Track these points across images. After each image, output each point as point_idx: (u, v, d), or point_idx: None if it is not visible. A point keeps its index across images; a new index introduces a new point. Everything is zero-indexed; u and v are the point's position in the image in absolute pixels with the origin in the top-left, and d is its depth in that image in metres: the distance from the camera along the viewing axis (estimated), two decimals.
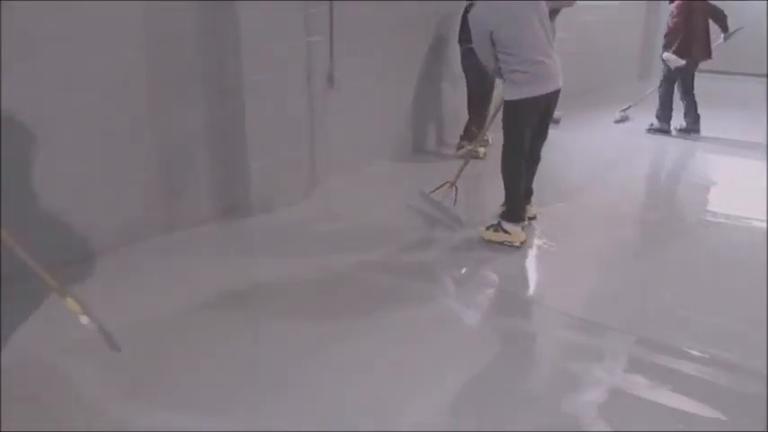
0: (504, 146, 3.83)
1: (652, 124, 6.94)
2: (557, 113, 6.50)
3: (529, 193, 4.10)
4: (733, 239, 4.12)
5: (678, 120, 6.78)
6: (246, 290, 3.24)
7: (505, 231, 3.83)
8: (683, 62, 6.41)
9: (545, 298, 3.30)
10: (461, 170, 4.25)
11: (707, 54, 6.57)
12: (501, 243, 3.82)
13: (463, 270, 3.55)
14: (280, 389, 2.45)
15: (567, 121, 6.85)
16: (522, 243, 3.83)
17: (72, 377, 2.48)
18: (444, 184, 4.21)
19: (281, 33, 4.01)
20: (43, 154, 3.18)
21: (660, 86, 6.78)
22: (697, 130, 6.71)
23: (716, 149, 6.41)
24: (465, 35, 5.27)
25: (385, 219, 4.19)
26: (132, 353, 2.61)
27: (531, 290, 3.45)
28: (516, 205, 3.86)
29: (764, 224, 4.43)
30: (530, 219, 4.11)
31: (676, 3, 6.45)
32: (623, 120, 7.44)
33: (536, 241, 3.98)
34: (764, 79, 9.85)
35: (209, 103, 3.92)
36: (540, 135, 3.93)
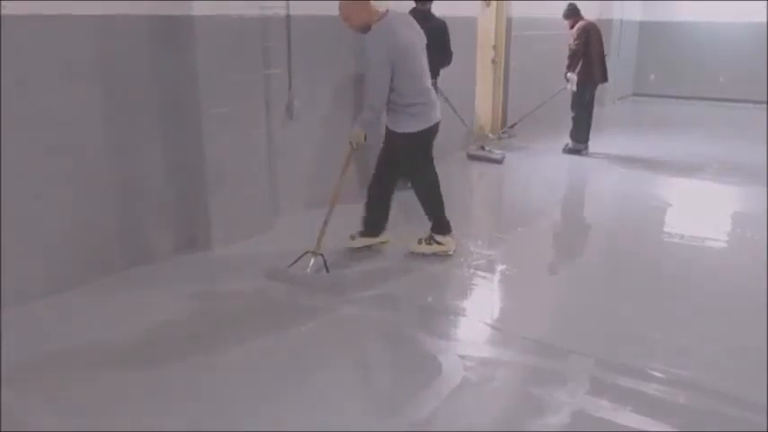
0: (414, 175, 3.96)
1: (567, 144, 7.24)
2: (499, 152, 6.67)
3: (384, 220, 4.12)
4: (690, 259, 4.21)
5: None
6: (198, 322, 3.19)
7: (438, 243, 3.98)
8: (572, 85, 6.93)
9: (506, 323, 3.31)
10: (323, 234, 3.79)
11: (604, 78, 7.11)
12: (434, 254, 3.97)
13: (428, 299, 3.54)
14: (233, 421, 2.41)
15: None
16: (454, 251, 4.00)
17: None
18: (305, 254, 3.75)
19: (238, 66, 4.02)
20: None
21: (572, 109, 7.14)
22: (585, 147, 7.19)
23: (665, 171, 6.62)
24: None
25: (343, 249, 4.11)
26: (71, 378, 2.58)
27: (492, 315, 3.46)
28: (442, 217, 3.99)
29: (719, 244, 4.55)
30: (382, 243, 4.15)
31: (577, 27, 6.93)
32: (510, 137, 7.92)
33: (497, 266, 4.01)
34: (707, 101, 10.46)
35: (167, 136, 3.87)
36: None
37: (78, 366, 2.78)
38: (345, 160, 3.87)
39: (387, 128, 3.92)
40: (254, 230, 4.31)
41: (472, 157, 6.83)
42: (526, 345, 3.04)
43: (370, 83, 3.66)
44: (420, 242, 4.03)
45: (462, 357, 2.92)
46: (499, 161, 6.69)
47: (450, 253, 4.00)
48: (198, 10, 3.74)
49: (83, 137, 3.47)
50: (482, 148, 6.95)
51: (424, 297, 3.55)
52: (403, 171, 4.07)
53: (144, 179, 3.82)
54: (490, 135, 8.05)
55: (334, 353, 2.97)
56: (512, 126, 7.97)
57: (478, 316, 3.40)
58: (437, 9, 5.50)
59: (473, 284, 3.76)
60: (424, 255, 3.99)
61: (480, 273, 3.88)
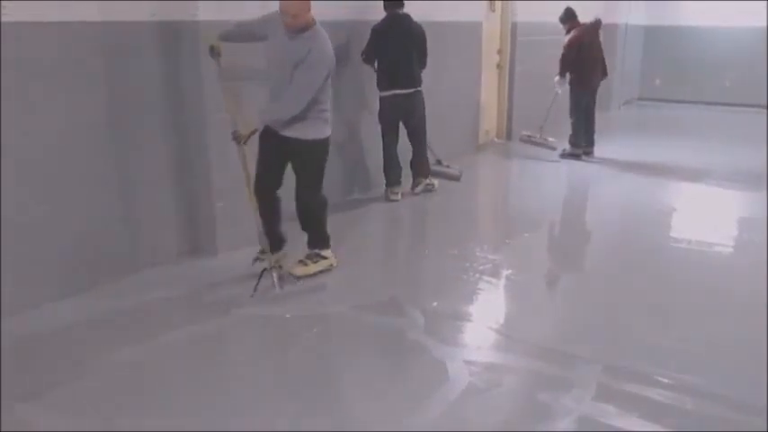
0: (314, 184, 3.77)
1: (564, 150, 7.23)
2: (457, 167, 6.41)
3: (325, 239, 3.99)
4: (696, 264, 4.19)
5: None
6: (200, 327, 3.19)
7: (325, 258, 3.87)
8: (559, 89, 6.99)
9: (512, 328, 3.29)
10: (267, 246, 3.70)
11: (603, 76, 7.12)
12: (322, 271, 3.83)
13: (434, 303, 3.53)
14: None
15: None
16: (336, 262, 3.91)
17: None
18: (263, 272, 3.63)
19: (243, 71, 4.02)
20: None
21: (571, 115, 7.12)
22: (589, 152, 7.15)
23: (671, 176, 6.59)
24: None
25: (341, 256, 4.06)
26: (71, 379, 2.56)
27: (498, 320, 3.44)
28: (326, 231, 3.90)
29: (725, 249, 4.53)
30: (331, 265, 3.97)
31: (570, 36, 6.91)
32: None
33: (503, 271, 4.00)
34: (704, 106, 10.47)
35: (173, 141, 3.89)
36: None
37: (78, 368, 2.78)
38: (241, 158, 3.63)
39: (287, 139, 3.64)
40: None
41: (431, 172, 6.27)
42: (532, 350, 3.03)
43: (305, 82, 3.49)
44: (305, 264, 3.81)
45: (468, 363, 2.91)
46: (456, 178, 6.11)
47: (335, 265, 3.88)
48: (202, 15, 3.75)
49: (87, 142, 3.48)
50: (439, 162, 6.24)
51: (429, 302, 3.54)
52: (303, 184, 3.76)
53: (149, 185, 3.83)
54: (496, 140, 8.02)
55: (338, 357, 2.96)
56: (541, 128, 7.78)
57: (484, 321, 3.39)
58: (444, 14, 5.49)
59: (479, 289, 3.75)
60: (311, 275, 3.77)
61: (486, 277, 3.87)
